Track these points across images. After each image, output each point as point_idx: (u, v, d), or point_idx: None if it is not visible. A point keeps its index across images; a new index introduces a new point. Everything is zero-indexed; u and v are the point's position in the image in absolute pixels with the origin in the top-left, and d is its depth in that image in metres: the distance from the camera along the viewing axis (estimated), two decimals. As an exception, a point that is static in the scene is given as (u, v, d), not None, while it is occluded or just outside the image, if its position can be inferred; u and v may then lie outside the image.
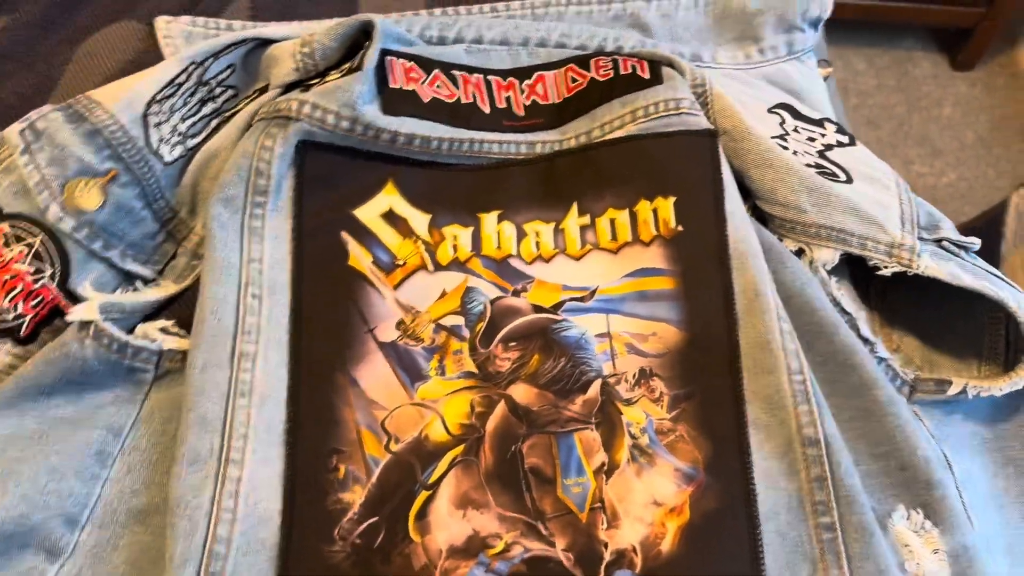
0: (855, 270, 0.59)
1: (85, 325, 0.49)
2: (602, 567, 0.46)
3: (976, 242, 0.56)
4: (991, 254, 1.41)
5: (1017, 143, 1.80)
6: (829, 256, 0.54)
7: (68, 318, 0.49)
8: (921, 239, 0.55)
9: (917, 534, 0.48)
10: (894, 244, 0.54)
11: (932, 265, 0.53)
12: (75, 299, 0.52)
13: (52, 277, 0.51)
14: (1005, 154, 1.79)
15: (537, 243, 0.56)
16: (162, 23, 0.64)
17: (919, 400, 0.54)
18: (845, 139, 0.62)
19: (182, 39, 0.64)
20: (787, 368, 0.49)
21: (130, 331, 0.52)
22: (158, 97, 0.54)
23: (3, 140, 0.52)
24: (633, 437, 0.50)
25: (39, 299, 0.51)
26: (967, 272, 0.53)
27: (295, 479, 0.48)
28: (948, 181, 1.74)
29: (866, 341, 0.53)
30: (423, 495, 0.48)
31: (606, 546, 0.46)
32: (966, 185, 1.74)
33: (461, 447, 0.49)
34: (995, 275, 0.54)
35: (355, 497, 0.48)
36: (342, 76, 0.56)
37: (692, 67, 0.60)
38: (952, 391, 0.53)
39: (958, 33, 1.84)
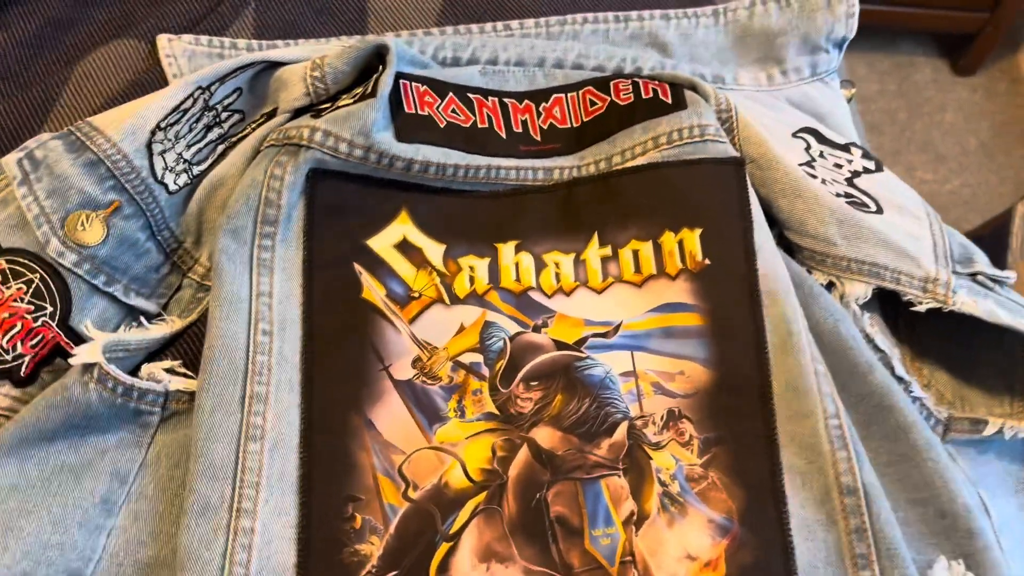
0: (883, 302, 0.57)
1: (89, 368, 0.46)
2: (636, 627, 0.44)
3: (1012, 276, 0.54)
4: (996, 264, 1.40)
5: (1019, 149, 1.79)
6: (861, 291, 0.53)
7: (72, 361, 0.46)
8: (956, 272, 0.53)
9: (959, 586, 0.46)
10: (928, 279, 0.52)
11: (969, 301, 0.51)
12: (76, 337, 0.49)
13: (52, 316, 0.49)
14: (1008, 160, 1.78)
15: (557, 275, 0.54)
16: (164, 41, 0.61)
17: (953, 439, 0.52)
18: (872, 165, 0.60)
19: (185, 58, 0.61)
20: (823, 412, 0.48)
21: (135, 370, 0.50)
22: (163, 124, 0.52)
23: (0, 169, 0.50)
24: (663, 484, 0.48)
25: (39, 338, 0.49)
26: (1004, 308, 0.51)
27: (310, 530, 0.45)
28: (951, 188, 1.73)
29: (901, 380, 0.52)
30: (444, 547, 0.46)
31: (639, 604, 0.44)
32: (969, 192, 1.73)
33: (483, 495, 0.47)
34: (1031, 310, 0.53)
35: (373, 549, 0.46)
36: (355, 102, 0.54)
37: (716, 91, 0.58)
38: (989, 431, 0.51)
39: (959, 38, 1.83)
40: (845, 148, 0.61)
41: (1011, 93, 1.86)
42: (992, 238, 1.42)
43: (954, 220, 1.68)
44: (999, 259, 1.41)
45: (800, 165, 0.56)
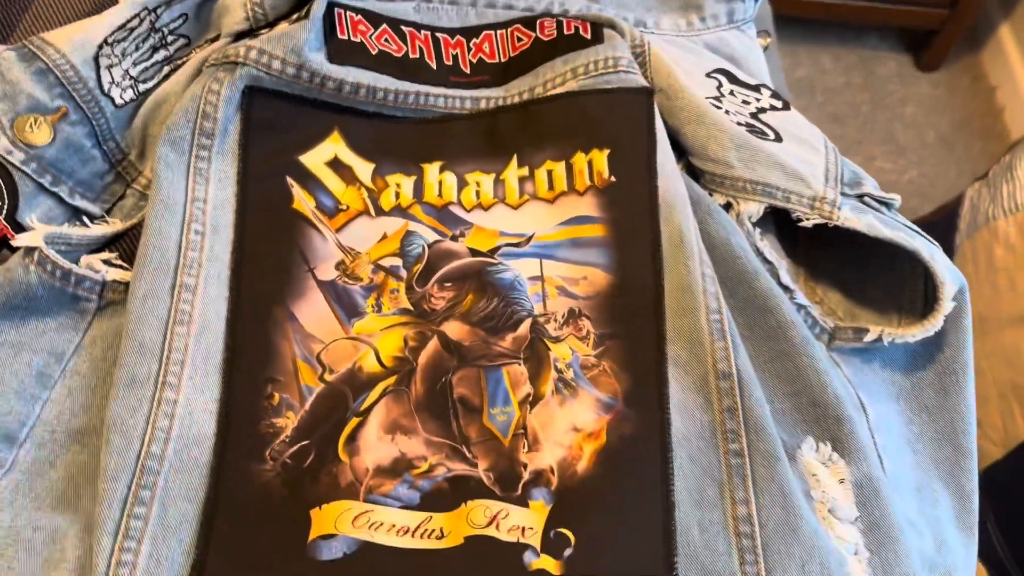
0: (783, 228, 0.61)
1: (30, 251, 0.50)
2: (520, 485, 0.47)
3: (897, 199, 0.59)
4: (947, 244, 1.45)
5: (977, 143, 1.84)
6: (754, 209, 0.57)
7: (14, 243, 0.50)
8: (844, 194, 0.57)
9: (824, 465, 0.50)
10: (816, 198, 0.56)
11: (851, 217, 0.55)
12: (23, 231, 0.53)
13: (0, 209, 0.53)
14: (966, 153, 1.83)
15: (477, 192, 0.58)
16: (120, -26, 0.65)
17: (838, 348, 0.56)
18: (779, 104, 0.64)
19: (140, -8, 0.65)
20: (706, 308, 0.52)
21: (76, 263, 0.53)
22: (110, 40, 0.56)
23: (-44, 76, 0.54)
24: (559, 371, 0.52)
25: (-14, 229, 0.52)
26: (884, 225, 0.56)
27: (230, 404, 0.49)
28: (910, 178, 1.78)
29: (786, 288, 0.56)
30: (354, 421, 0.50)
31: (525, 467, 0.48)
32: (927, 182, 1.78)
33: (393, 378, 0.51)
34: (913, 229, 0.57)
35: (288, 422, 0.49)
36: (290, 24, 0.58)
37: (632, 28, 0.62)
38: (868, 338, 0.55)
39: (923, 34, 1.88)
40: (755, 88, 0.65)
41: (972, 89, 1.91)
42: (945, 222, 1.47)
43: (911, 209, 1.73)
44: (950, 239, 1.46)
45: (708, 98, 0.61)
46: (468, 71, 0.63)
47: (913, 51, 1.93)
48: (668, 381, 0.50)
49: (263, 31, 0.59)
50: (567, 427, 0.49)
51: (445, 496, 0.47)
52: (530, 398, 0.51)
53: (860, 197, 0.58)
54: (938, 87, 1.91)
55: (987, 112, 1.89)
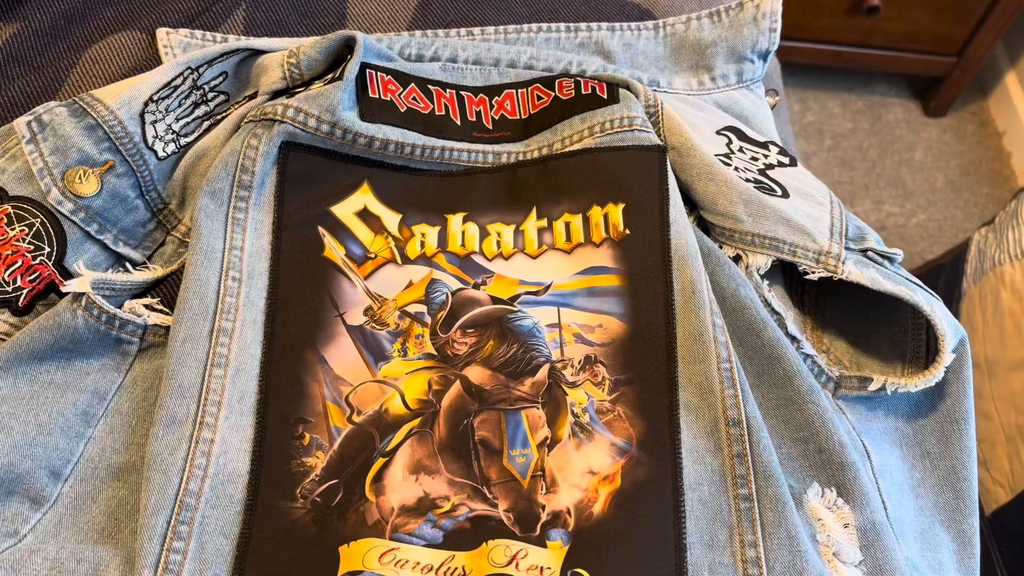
0: (791, 280, 0.64)
1: (78, 297, 0.53)
2: (538, 525, 0.50)
3: (899, 253, 0.61)
4: (954, 289, 1.47)
5: (984, 188, 1.87)
6: (762, 261, 0.60)
7: (64, 289, 0.53)
8: (848, 248, 0.60)
9: (830, 510, 0.52)
10: (821, 252, 0.59)
11: (855, 271, 0.58)
12: (70, 277, 0.56)
13: (49, 256, 0.56)
14: (972, 198, 1.85)
15: (498, 242, 0.61)
16: (162, 34, 0.69)
17: (844, 395, 0.59)
18: (786, 160, 0.67)
19: (180, 49, 0.69)
20: (717, 357, 0.54)
21: (119, 307, 0.56)
22: (155, 97, 0.60)
23: (11, 131, 0.57)
24: (575, 416, 0.54)
25: (36, 274, 0.56)
26: (887, 278, 0.58)
27: (263, 443, 0.52)
28: (918, 221, 1.81)
29: (793, 339, 0.58)
30: (380, 461, 0.52)
31: (543, 508, 0.51)
32: (935, 226, 1.80)
33: (418, 420, 0.54)
34: (913, 282, 0.60)
35: (317, 462, 0.52)
36: (325, 85, 0.62)
37: (646, 89, 0.65)
38: (873, 387, 0.58)
39: (930, 81, 1.92)
40: (763, 145, 0.68)
41: (979, 135, 1.95)
42: (952, 266, 1.50)
43: (919, 252, 1.75)
44: (956, 284, 1.48)
45: (717, 155, 0.64)
46: (491, 127, 0.66)
47: (921, 97, 1.97)
48: (680, 427, 0.53)
49: (299, 89, 0.63)
50: (583, 470, 0.52)
51: (467, 535, 0.50)
52: (548, 441, 0.53)
53: (864, 251, 0.61)
54: (945, 132, 1.94)
55: (994, 157, 1.92)
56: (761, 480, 0.51)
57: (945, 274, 1.51)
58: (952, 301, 1.42)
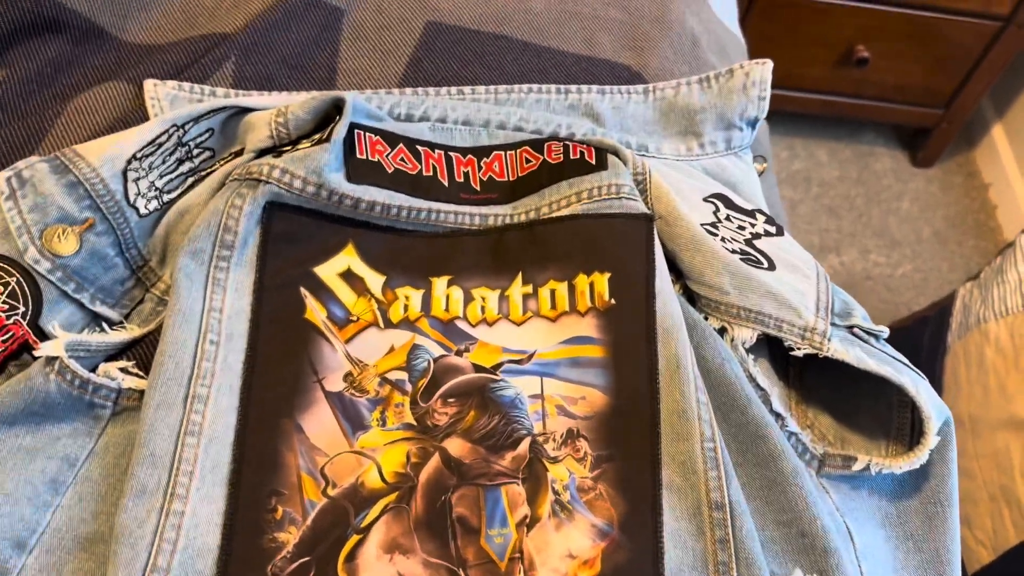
0: (775, 351, 0.64)
1: (51, 360, 0.52)
2: (514, 612, 0.49)
3: (884, 331, 0.61)
4: (939, 343, 1.47)
5: (971, 239, 1.88)
6: (748, 335, 0.59)
7: (36, 353, 0.52)
8: (834, 324, 0.60)
9: (812, 598, 0.51)
10: (807, 328, 0.58)
11: (840, 349, 0.57)
12: (44, 338, 0.55)
13: (24, 315, 0.55)
14: (959, 249, 1.87)
15: (483, 307, 0.61)
16: (149, 86, 0.69)
17: (827, 474, 0.58)
18: (773, 229, 0.67)
19: (167, 101, 0.69)
20: (700, 436, 0.54)
21: (93, 369, 0.55)
22: (139, 155, 0.59)
23: (-10, 185, 0.56)
24: (556, 493, 0.53)
25: (10, 335, 0.54)
26: (873, 357, 0.58)
27: (235, 517, 0.51)
28: (904, 272, 1.81)
29: (777, 416, 0.58)
30: (354, 539, 0.51)
31: (520, 593, 0.49)
32: (921, 277, 1.81)
33: (394, 495, 0.53)
34: (901, 362, 0.59)
35: (290, 537, 0.51)
36: (312, 145, 0.61)
37: (635, 156, 0.65)
38: (857, 467, 0.57)
39: (918, 132, 1.94)
40: (751, 214, 0.68)
41: (966, 186, 1.96)
42: (937, 319, 1.50)
43: (905, 302, 1.76)
44: (942, 337, 1.48)
45: (704, 225, 0.63)
46: (478, 188, 0.66)
47: (908, 148, 1.99)
48: (662, 508, 0.52)
49: (286, 148, 0.62)
50: (563, 553, 0.51)
51: (442, 620, 0.49)
52: (527, 520, 0.52)
53: (850, 328, 0.60)
54: (932, 183, 1.96)
55: (980, 209, 1.93)
56: (743, 568, 0.50)
57: (931, 327, 1.51)
58: (937, 355, 1.42)
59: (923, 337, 1.48)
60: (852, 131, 2.00)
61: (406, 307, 0.60)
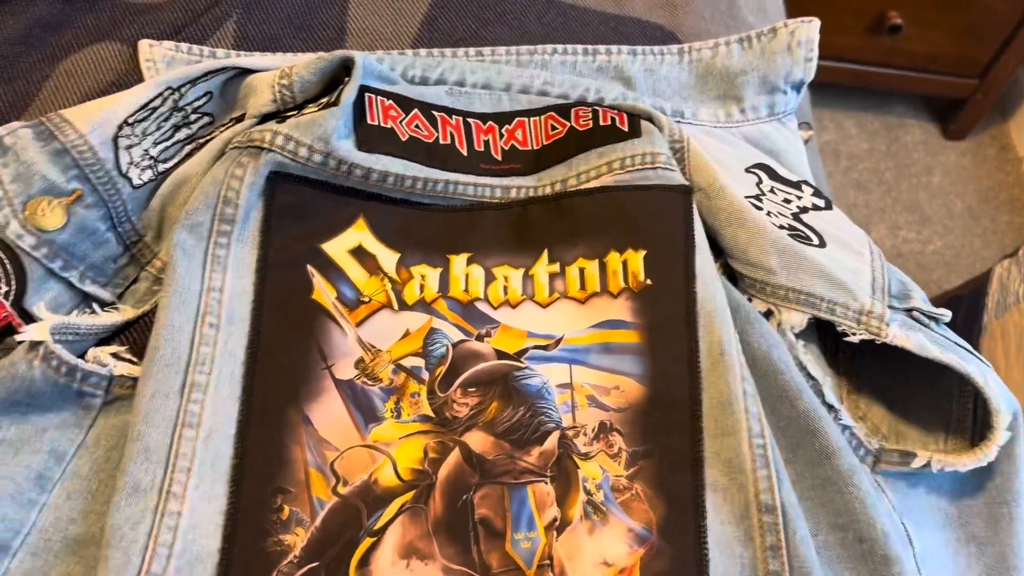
0: (824, 334, 0.58)
1: (35, 345, 0.48)
2: (545, 628, 0.44)
3: (947, 314, 0.56)
4: (974, 323, 1.41)
5: (1004, 214, 1.82)
6: (797, 319, 0.54)
7: (18, 338, 0.48)
8: (891, 307, 0.54)
9: (871, 610, 0.46)
10: (863, 311, 0.53)
11: (901, 335, 0.52)
12: (29, 319, 0.51)
13: (6, 296, 0.50)
14: (992, 225, 1.80)
15: (505, 288, 0.56)
16: (145, 46, 0.64)
17: (883, 471, 0.53)
18: (821, 203, 0.62)
19: (164, 63, 0.63)
20: (748, 431, 0.49)
21: (83, 354, 0.51)
22: (131, 120, 0.54)
23: (-31, 154, 0.51)
24: (588, 493, 0.48)
25: (-9, 316, 0.50)
26: (935, 344, 0.52)
27: (236, 518, 0.46)
28: (935, 248, 1.75)
29: (830, 408, 0.53)
30: (367, 542, 0.47)
31: (551, 606, 0.45)
32: (952, 253, 1.75)
33: (411, 493, 0.48)
34: (964, 348, 0.54)
35: (297, 540, 0.46)
36: (319, 110, 0.56)
37: (671, 122, 0.60)
38: (916, 464, 0.52)
39: (950, 103, 1.86)
40: (796, 185, 0.62)
41: (999, 159, 1.89)
42: (971, 298, 1.44)
43: (936, 280, 1.70)
44: (977, 318, 1.43)
45: (748, 198, 0.58)
46: (499, 158, 0.61)
47: (940, 119, 1.92)
48: (706, 511, 0.47)
49: (290, 113, 0.57)
50: (597, 560, 0.46)
51: (463, 633, 0.44)
52: (556, 523, 0.47)
53: (909, 311, 0.55)
54: (964, 156, 1.89)
55: (1014, 183, 1.86)
56: (797, 577, 0.45)
57: (964, 306, 1.45)
58: (973, 336, 1.37)
59: (957, 317, 1.42)
60: (880, 102, 1.93)
61: (422, 287, 0.55)
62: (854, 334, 0.53)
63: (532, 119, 0.62)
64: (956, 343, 0.54)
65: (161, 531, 0.45)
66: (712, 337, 0.52)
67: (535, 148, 0.61)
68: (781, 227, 0.56)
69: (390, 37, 0.70)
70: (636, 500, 0.48)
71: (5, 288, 0.50)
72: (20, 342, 0.49)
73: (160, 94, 0.55)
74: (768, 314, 0.55)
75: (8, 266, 0.50)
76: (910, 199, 1.81)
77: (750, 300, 0.55)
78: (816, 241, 0.57)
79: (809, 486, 0.50)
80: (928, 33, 1.67)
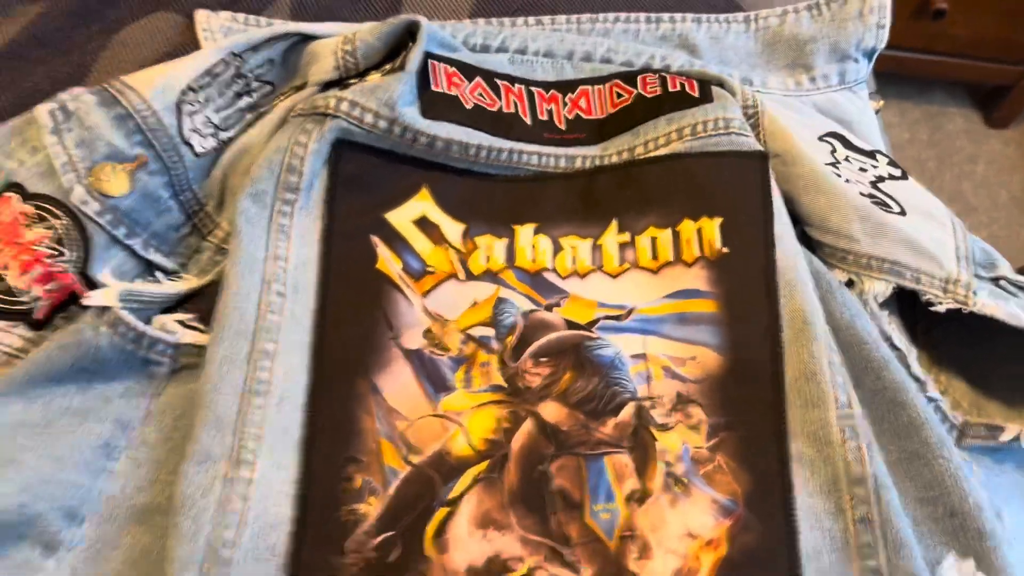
0: (902, 306, 0.56)
1: (102, 312, 0.47)
2: (632, 600, 0.43)
3: (1037, 283, 0.54)
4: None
5: (1051, 204, 1.77)
6: (881, 289, 0.52)
7: (85, 302, 0.47)
8: (978, 276, 0.52)
9: (969, 587, 0.44)
10: (950, 280, 0.51)
11: (990, 303, 0.50)
12: (93, 286, 0.50)
13: (71, 262, 0.49)
14: (1038, 215, 1.76)
15: (573, 258, 0.54)
16: (202, 16, 0.63)
17: (969, 446, 0.51)
18: (897, 172, 0.60)
19: (221, 34, 0.63)
20: (835, 401, 0.47)
21: (147, 322, 0.50)
22: (193, 86, 0.53)
23: (32, 119, 0.50)
24: (668, 465, 0.47)
25: (56, 283, 0.49)
26: (1026, 313, 0.50)
27: (309, 487, 0.45)
28: (980, 239, 1.71)
29: (916, 379, 0.50)
30: (442, 511, 0.45)
31: (636, 578, 0.43)
32: (997, 244, 1.71)
33: (484, 464, 0.47)
34: (1055, 319, 0.52)
35: (371, 509, 0.45)
36: (383, 76, 0.55)
37: (743, 88, 0.58)
38: (1004, 437, 0.50)
39: (993, 90, 1.82)
40: (871, 155, 0.60)
41: (1044, 148, 1.85)
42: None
43: (982, 270, 1.66)
44: None
45: (826, 164, 0.56)
46: (563, 127, 0.59)
47: (982, 107, 1.88)
48: (792, 484, 0.45)
49: (353, 81, 0.56)
50: (681, 531, 0.44)
51: (545, 606, 0.43)
52: (636, 495, 0.46)
53: (995, 280, 0.53)
54: (1009, 145, 1.85)
55: (1060, 172, 1.82)
56: (891, 551, 0.43)
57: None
58: None
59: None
60: (920, 90, 1.89)
61: (488, 257, 0.54)
62: (940, 303, 0.51)
63: (596, 87, 0.60)
64: (1047, 314, 0.52)
65: (232, 498, 0.44)
66: (794, 306, 0.50)
67: (600, 117, 0.59)
68: (861, 194, 0.54)
69: (446, 8, 0.68)
70: (719, 472, 0.46)
71: (70, 255, 0.49)
72: (85, 308, 0.48)
73: (223, 59, 0.54)
74: (849, 284, 0.53)
75: (73, 233, 0.50)
76: (953, 189, 1.77)
77: (830, 269, 0.53)
78: (897, 209, 0.55)
79: (895, 459, 0.48)
80: (973, 17, 1.63)
